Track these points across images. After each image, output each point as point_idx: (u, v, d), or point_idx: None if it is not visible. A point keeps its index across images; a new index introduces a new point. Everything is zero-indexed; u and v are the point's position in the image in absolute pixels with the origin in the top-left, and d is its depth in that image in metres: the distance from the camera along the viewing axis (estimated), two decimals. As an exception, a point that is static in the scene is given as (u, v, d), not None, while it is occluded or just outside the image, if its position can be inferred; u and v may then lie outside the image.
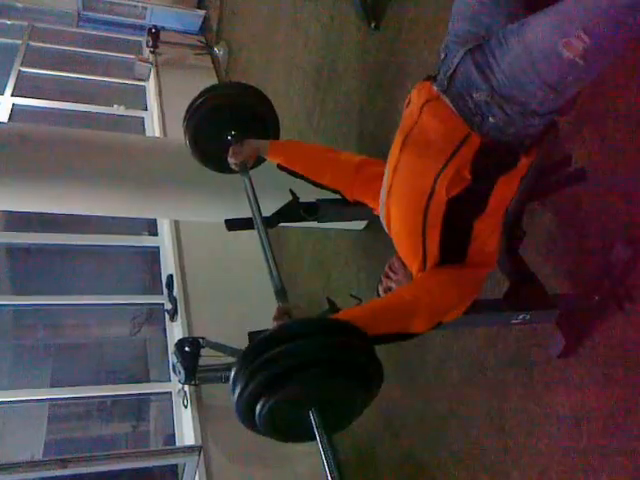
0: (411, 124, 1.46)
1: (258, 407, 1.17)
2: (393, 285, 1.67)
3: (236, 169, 2.01)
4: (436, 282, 1.45)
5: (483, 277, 1.52)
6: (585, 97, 1.79)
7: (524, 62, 1.22)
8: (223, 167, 2.08)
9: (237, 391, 1.17)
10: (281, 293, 1.57)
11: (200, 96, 2.04)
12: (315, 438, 1.19)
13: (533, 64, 1.21)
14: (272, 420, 1.20)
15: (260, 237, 1.74)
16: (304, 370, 1.15)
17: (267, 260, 1.60)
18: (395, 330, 1.35)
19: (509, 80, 1.25)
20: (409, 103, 1.52)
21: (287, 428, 1.28)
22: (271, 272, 1.60)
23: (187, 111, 2.07)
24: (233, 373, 1.17)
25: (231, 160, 1.98)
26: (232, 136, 2.01)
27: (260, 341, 1.17)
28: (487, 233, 1.47)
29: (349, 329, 1.21)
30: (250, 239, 4.66)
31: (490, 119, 1.31)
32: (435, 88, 1.42)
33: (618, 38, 1.15)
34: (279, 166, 1.95)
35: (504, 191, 1.44)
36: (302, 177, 1.93)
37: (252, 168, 1.99)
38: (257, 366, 1.14)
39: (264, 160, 2.01)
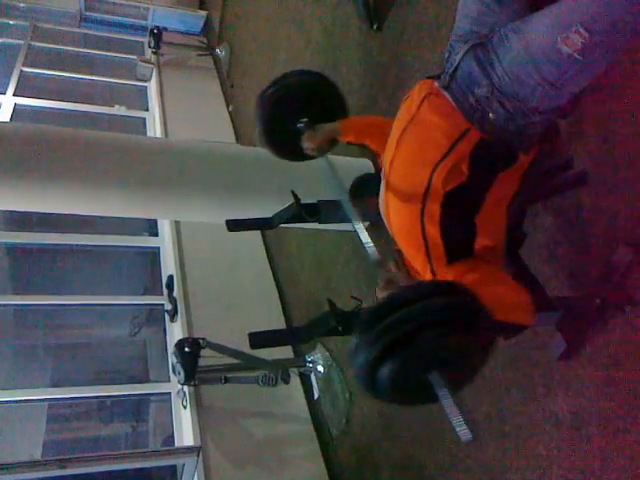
0: (409, 118, 1.47)
1: (382, 371, 1.19)
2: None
3: (313, 154, 2.02)
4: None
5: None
6: (587, 99, 1.79)
7: (524, 58, 1.23)
8: (296, 155, 2.11)
9: (360, 358, 1.19)
10: (380, 263, 1.57)
11: (269, 87, 2.08)
12: (435, 400, 1.21)
13: (533, 60, 1.22)
14: (394, 384, 1.22)
15: (349, 212, 1.75)
16: (423, 332, 1.17)
17: (360, 233, 1.59)
18: (505, 318, 1.37)
19: (510, 76, 1.26)
20: (408, 98, 1.52)
21: (408, 392, 1.30)
22: (366, 244, 1.60)
23: (257, 103, 2.10)
24: (354, 342, 1.20)
25: (307, 145, 2.00)
26: (303, 123, 2.03)
27: (379, 309, 1.20)
28: (490, 229, 1.47)
29: (466, 291, 1.24)
30: (250, 240, 4.69)
31: (490, 115, 1.32)
32: (436, 84, 1.42)
33: (617, 34, 1.15)
34: (349, 142, 1.98)
35: (503, 187, 1.44)
36: (370, 150, 1.94)
37: (327, 151, 2.02)
38: (378, 333, 1.16)
39: (337, 143, 2.03)
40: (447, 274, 1.44)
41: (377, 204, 1.66)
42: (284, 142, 2.11)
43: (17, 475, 2.82)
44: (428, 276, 1.50)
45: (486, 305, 1.24)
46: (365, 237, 1.64)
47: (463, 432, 1.16)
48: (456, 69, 1.37)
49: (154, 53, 6.63)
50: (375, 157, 1.95)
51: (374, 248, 1.62)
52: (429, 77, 1.49)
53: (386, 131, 1.83)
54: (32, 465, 2.91)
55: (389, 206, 1.56)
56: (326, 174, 1.94)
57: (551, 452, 1.92)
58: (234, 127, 6.00)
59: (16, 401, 3.57)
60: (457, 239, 1.45)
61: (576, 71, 1.20)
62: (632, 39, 1.18)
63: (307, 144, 1.99)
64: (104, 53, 7.00)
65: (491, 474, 2.19)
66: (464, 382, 1.34)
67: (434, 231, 1.44)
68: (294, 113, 2.05)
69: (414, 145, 1.46)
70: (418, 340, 1.16)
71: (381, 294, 1.47)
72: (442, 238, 1.44)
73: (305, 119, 2.03)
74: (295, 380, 3.66)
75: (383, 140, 1.83)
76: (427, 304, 1.18)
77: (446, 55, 1.42)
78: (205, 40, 7.41)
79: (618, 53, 1.23)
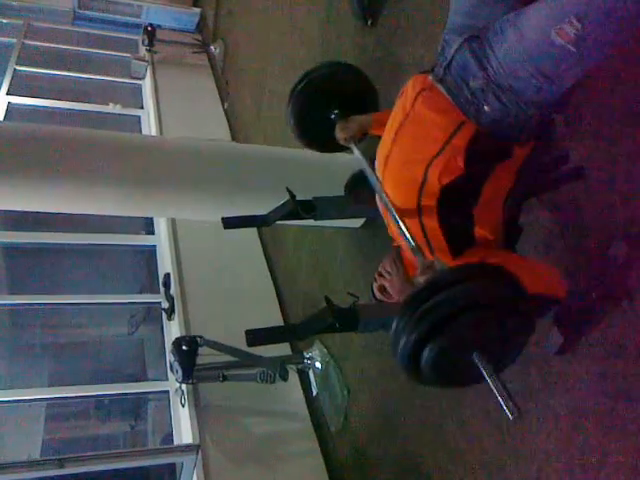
0: (404, 114, 1.47)
1: (424, 354, 1.20)
2: (387, 284, 1.67)
3: (346, 144, 2.05)
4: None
5: None
6: (583, 94, 1.79)
7: (519, 50, 1.23)
8: (328, 147, 2.16)
9: (402, 341, 1.20)
10: (418, 250, 1.56)
11: (301, 80, 2.11)
12: (478, 380, 1.23)
13: (527, 52, 1.22)
14: (438, 366, 1.23)
15: (384, 202, 1.72)
16: (466, 313, 1.18)
17: (397, 221, 1.57)
18: (544, 290, 1.39)
19: (504, 68, 1.26)
20: (402, 94, 1.52)
21: (452, 373, 1.31)
22: (405, 234, 1.60)
23: (290, 96, 2.13)
24: (395, 325, 1.21)
25: (340, 136, 2.02)
26: (335, 114, 2.06)
27: (420, 292, 1.21)
28: (488, 222, 1.47)
29: (503, 272, 1.24)
30: (247, 237, 4.69)
31: (485, 108, 1.32)
32: (430, 78, 1.42)
33: (610, 25, 1.15)
34: (379, 136, 1.99)
35: (499, 180, 1.44)
36: None
37: (360, 142, 2.04)
38: (420, 315, 1.17)
39: (367, 135, 2.06)
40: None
41: (373, 201, 1.66)
42: (317, 134, 2.15)
43: (16, 475, 2.82)
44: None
45: (525, 283, 1.24)
46: (405, 230, 1.60)
47: (511, 410, 1.17)
48: (450, 62, 1.36)
49: (148, 51, 6.61)
50: None
51: (413, 236, 1.59)
52: (422, 72, 1.49)
53: None
54: (31, 464, 2.90)
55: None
56: (358, 163, 1.94)
57: (548, 447, 1.92)
58: (229, 124, 5.99)
59: (14, 401, 3.57)
60: (457, 230, 1.46)
61: (570, 63, 1.20)
62: (625, 30, 1.18)
63: (340, 134, 2.02)
64: (98, 51, 6.97)
65: (489, 469, 2.19)
66: (507, 361, 1.35)
67: (433, 224, 1.45)
68: (326, 105, 2.09)
69: (410, 141, 1.46)
70: (459, 322, 1.17)
71: (421, 278, 1.47)
72: (442, 230, 1.45)
73: (337, 111, 2.06)
74: (293, 377, 3.66)
75: None
76: (468, 287, 1.20)
77: (439, 49, 1.42)
78: (199, 37, 7.38)
79: (612, 45, 1.22)
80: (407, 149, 1.47)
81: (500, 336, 1.25)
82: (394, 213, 1.57)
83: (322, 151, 2.25)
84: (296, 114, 2.13)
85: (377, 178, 1.62)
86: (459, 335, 1.20)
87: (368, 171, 1.86)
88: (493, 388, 1.19)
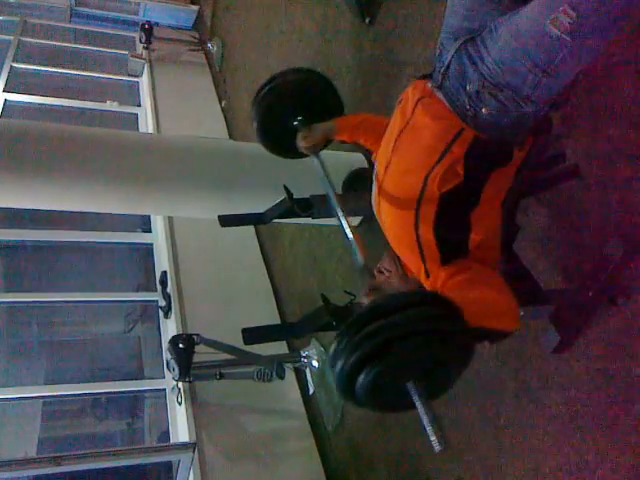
0: (403, 122, 1.46)
1: (360, 378, 1.19)
2: (384, 281, 1.66)
3: (307, 153, 2.03)
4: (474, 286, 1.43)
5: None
6: (579, 93, 1.79)
7: (514, 45, 1.23)
8: (290, 153, 2.12)
9: (340, 364, 1.20)
10: (366, 270, 1.58)
11: (264, 85, 2.08)
12: (412, 407, 1.22)
13: (522, 45, 1.21)
14: (373, 391, 1.22)
15: (338, 217, 1.76)
16: (405, 341, 1.17)
17: (349, 239, 1.59)
18: (489, 325, 1.36)
19: (500, 66, 1.25)
20: (402, 101, 1.51)
21: (386, 399, 1.30)
22: (355, 251, 1.61)
23: (254, 99, 2.09)
24: (334, 347, 1.21)
25: (301, 144, 2.00)
26: (298, 121, 2.04)
27: (362, 315, 1.20)
28: (486, 225, 1.47)
29: (446, 303, 1.24)
30: (244, 236, 4.68)
31: (483, 110, 1.31)
32: (429, 85, 1.42)
33: (604, 13, 1.14)
34: (343, 141, 1.98)
35: (498, 184, 1.43)
36: (364, 148, 1.94)
37: (321, 150, 2.03)
38: (360, 339, 1.17)
39: (331, 142, 2.03)
40: (440, 274, 1.44)
41: (370, 199, 1.66)
42: (280, 140, 2.11)
43: (12, 472, 2.82)
44: (422, 277, 1.49)
45: (470, 312, 1.24)
46: (355, 245, 1.63)
47: (435, 442, 1.16)
48: (448, 67, 1.36)
49: (145, 48, 6.58)
50: (368, 154, 1.95)
51: (361, 255, 1.62)
52: (422, 77, 1.48)
53: (379, 128, 1.84)
54: (27, 462, 2.91)
55: (382, 208, 1.56)
56: (318, 173, 1.94)
57: (545, 445, 1.92)
58: (227, 122, 5.98)
59: (10, 399, 3.57)
60: (451, 239, 1.45)
61: (566, 55, 1.19)
62: (620, 17, 1.17)
63: (301, 143, 1.99)
64: (95, 48, 6.95)
65: (486, 467, 2.20)
66: (441, 390, 1.34)
67: (428, 232, 1.44)
68: (290, 111, 2.05)
69: (409, 149, 1.45)
70: (397, 349, 1.16)
71: (366, 301, 1.47)
72: (436, 239, 1.44)
73: (300, 117, 2.03)
74: (290, 375, 3.66)
75: (376, 138, 1.84)
76: (408, 314, 1.18)
77: (437, 53, 1.42)
78: (197, 35, 7.37)
79: (608, 34, 1.21)
80: (407, 157, 1.46)
81: (436, 366, 1.25)
82: (345, 228, 1.60)
83: (285, 157, 2.21)
84: (259, 118, 2.09)
85: (375, 183, 1.62)
86: (395, 362, 1.19)
87: (326, 182, 1.86)
88: (423, 417, 1.19)
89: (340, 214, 1.77)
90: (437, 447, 1.16)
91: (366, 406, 1.31)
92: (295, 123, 2.04)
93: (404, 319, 1.18)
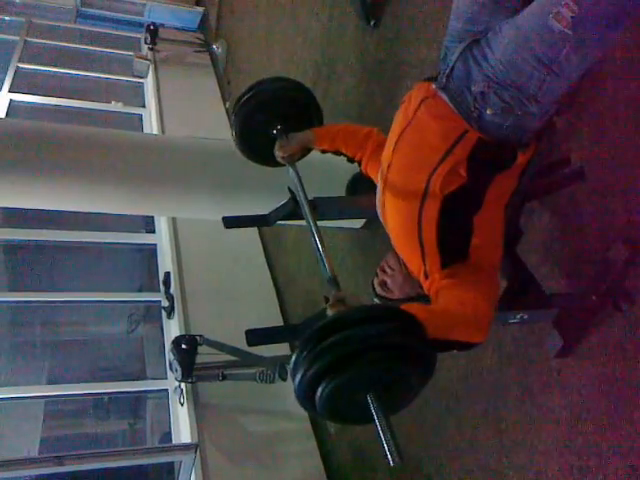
0: (406, 122, 1.46)
1: (319, 390, 1.19)
2: (388, 280, 1.67)
3: (283, 162, 2.02)
4: (461, 293, 1.42)
5: (496, 276, 1.51)
6: (584, 96, 1.79)
7: (518, 43, 1.23)
8: (269, 161, 2.11)
9: (299, 375, 1.19)
10: (333, 281, 1.58)
11: (244, 93, 2.07)
12: (372, 421, 1.22)
13: (526, 42, 1.22)
14: (332, 403, 1.22)
15: (310, 226, 1.76)
16: (364, 355, 1.17)
17: (317, 249, 1.60)
18: (454, 337, 1.35)
19: (504, 64, 1.26)
20: (405, 101, 1.51)
21: (346, 411, 1.30)
22: (322, 261, 1.62)
23: (234, 107, 2.09)
24: (294, 358, 1.20)
25: (278, 154, 2.00)
26: (277, 130, 2.03)
27: (322, 327, 1.20)
28: (488, 229, 1.47)
29: (407, 317, 1.24)
30: (248, 237, 4.68)
31: (488, 111, 1.31)
32: (433, 86, 1.42)
33: (606, 7, 1.15)
34: (324, 150, 1.98)
35: (501, 187, 1.43)
36: (345, 155, 1.94)
37: (299, 160, 2.02)
38: (319, 351, 1.16)
39: (310, 151, 2.03)
40: (435, 277, 1.45)
41: (374, 201, 1.66)
42: (259, 149, 2.11)
43: (14, 472, 2.83)
44: (421, 277, 1.50)
45: (435, 325, 1.25)
46: (323, 256, 1.65)
47: (392, 457, 1.16)
48: (452, 69, 1.36)
49: (150, 49, 6.61)
50: (350, 162, 1.95)
51: (329, 266, 1.61)
52: (426, 79, 1.49)
53: (359, 136, 1.85)
54: (29, 462, 2.91)
55: (386, 208, 1.56)
56: (294, 183, 1.93)
57: (548, 449, 1.92)
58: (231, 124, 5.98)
59: (13, 398, 3.57)
60: (453, 242, 1.45)
61: (569, 50, 1.19)
62: (623, 11, 1.17)
63: (279, 152, 1.98)
64: (100, 49, 6.97)
65: (488, 471, 2.19)
66: (401, 405, 1.34)
67: (431, 234, 1.44)
68: (269, 120, 2.04)
69: (411, 149, 1.45)
70: (357, 362, 1.16)
71: (330, 312, 1.47)
72: (437, 239, 1.44)
73: (279, 126, 2.02)
74: (292, 377, 3.66)
75: (357, 145, 1.86)
76: (369, 329, 1.18)
77: (442, 56, 1.42)
78: (202, 36, 7.38)
79: (611, 28, 1.21)
80: (409, 157, 1.46)
81: (396, 380, 1.25)
82: (316, 239, 1.63)
83: (264, 165, 2.21)
84: (238, 126, 2.09)
85: (377, 186, 1.62)
86: (355, 375, 1.19)
87: (300, 193, 1.86)
88: (379, 431, 1.19)
89: (312, 224, 1.76)
90: (393, 462, 1.16)
91: (326, 417, 1.30)
92: (274, 132, 2.03)
93: (361, 334, 1.17)
